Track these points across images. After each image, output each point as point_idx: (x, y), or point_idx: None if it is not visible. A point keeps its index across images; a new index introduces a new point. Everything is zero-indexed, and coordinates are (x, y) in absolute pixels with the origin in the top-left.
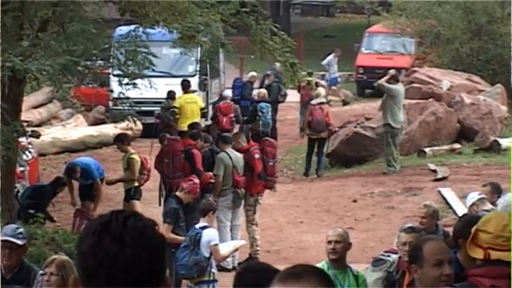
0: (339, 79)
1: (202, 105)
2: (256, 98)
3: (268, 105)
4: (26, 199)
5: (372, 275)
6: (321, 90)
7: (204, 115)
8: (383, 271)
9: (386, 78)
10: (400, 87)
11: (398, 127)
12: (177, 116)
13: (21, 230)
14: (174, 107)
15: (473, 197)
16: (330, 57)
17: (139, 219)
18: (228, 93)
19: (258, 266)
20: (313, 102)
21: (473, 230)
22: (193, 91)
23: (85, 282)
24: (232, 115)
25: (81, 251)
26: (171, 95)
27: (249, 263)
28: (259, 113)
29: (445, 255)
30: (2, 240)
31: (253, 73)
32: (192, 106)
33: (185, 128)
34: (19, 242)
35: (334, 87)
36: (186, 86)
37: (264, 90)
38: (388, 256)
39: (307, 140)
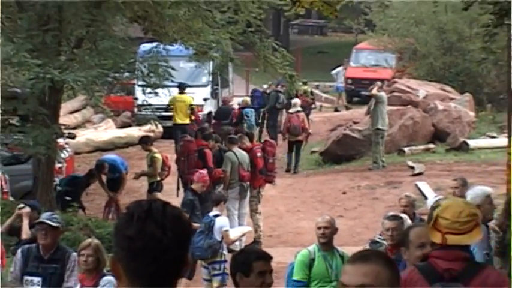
0: (342, 87)
1: (192, 102)
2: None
3: (252, 110)
4: (63, 186)
5: None
6: (297, 101)
7: (192, 111)
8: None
9: (376, 88)
10: (384, 95)
11: (385, 129)
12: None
13: (56, 215)
14: (168, 105)
15: (431, 200)
16: (339, 68)
17: (174, 207)
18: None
19: (249, 249)
20: (290, 110)
21: (434, 215)
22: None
23: (130, 263)
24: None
25: (128, 236)
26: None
27: (245, 247)
28: (245, 117)
29: (427, 239)
30: (39, 222)
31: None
32: (181, 104)
33: (178, 121)
34: (53, 224)
35: (338, 93)
36: (181, 88)
37: (247, 98)
38: (384, 240)
39: (287, 142)
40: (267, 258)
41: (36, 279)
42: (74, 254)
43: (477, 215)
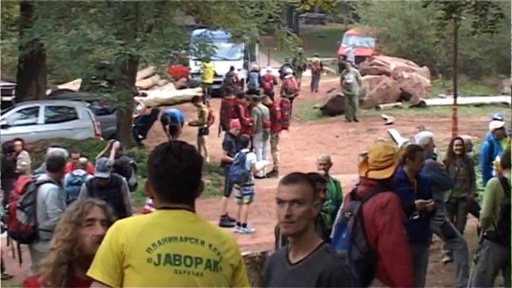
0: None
1: (215, 70)
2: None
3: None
4: (138, 123)
5: None
6: (289, 70)
7: (215, 75)
8: None
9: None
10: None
11: (352, 94)
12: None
13: (105, 161)
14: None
15: (400, 143)
16: (350, 48)
17: (188, 145)
18: (270, 68)
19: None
20: (286, 77)
21: (364, 156)
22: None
23: (157, 184)
24: (272, 81)
25: (154, 164)
26: (232, 68)
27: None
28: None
29: None
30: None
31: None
32: (209, 69)
33: (205, 81)
34: (104, 175)
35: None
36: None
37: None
38: None
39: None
40: (323, 180)
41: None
42: (124, 179)
43: (392, 156)
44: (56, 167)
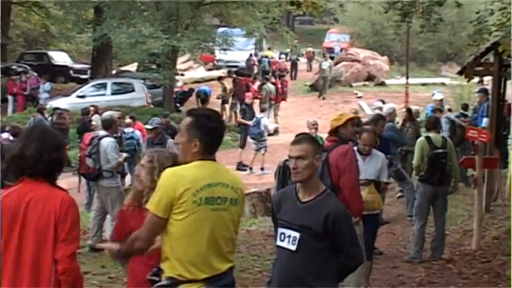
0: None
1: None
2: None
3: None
4: (178, 96)
5: None
6: (283, 56)
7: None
8: None
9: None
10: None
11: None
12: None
13: (155, 119)
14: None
15: (377, 106)
16: (336, 42)
17: (214, 111)
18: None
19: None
20: (279, 60)
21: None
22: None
23: (208, 140)
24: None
25: (213, 126)
26: (251, 55)
27: None
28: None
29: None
30: (147, 128)
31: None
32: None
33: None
34: (149, 126)
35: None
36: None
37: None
38: None
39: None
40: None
41: None
42: (170, 140)
43: (342, 115)
44: (108, 125)
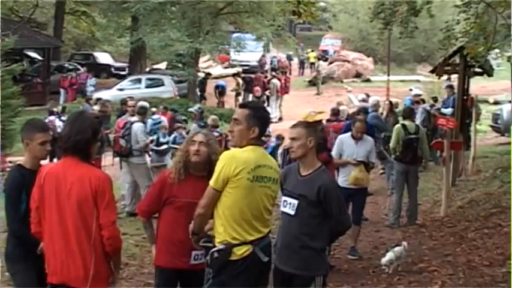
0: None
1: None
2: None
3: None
4: (199, 83)
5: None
6: (285, 56)
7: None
8: None
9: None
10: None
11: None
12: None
13: (196, 106)
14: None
15: (362, 98)
16: (330, 46)
17: (263, 105)
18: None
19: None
20: (282, 60)
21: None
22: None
23: (264, 128)
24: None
25: (268, 116)
26: (261, 56)
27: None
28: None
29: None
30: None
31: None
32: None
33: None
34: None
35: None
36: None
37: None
38: None
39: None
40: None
41: None
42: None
43: (322, 113)
44: (142, 112)
